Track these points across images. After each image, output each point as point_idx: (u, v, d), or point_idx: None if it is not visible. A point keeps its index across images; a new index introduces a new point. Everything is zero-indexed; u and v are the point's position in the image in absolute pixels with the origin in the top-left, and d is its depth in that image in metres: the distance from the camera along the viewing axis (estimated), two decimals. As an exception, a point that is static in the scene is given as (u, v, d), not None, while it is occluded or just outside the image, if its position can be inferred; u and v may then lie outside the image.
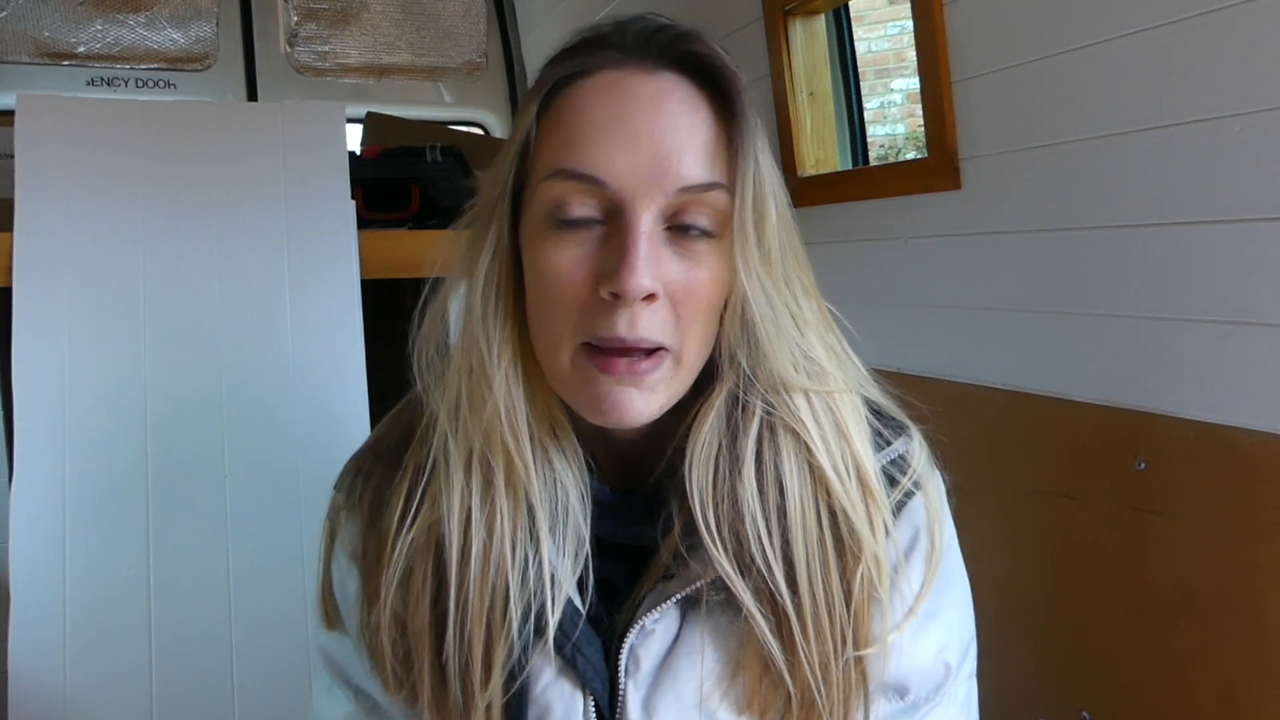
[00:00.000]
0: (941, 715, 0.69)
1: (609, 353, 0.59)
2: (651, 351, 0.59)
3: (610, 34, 0.62)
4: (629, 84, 0.60)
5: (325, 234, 1.46)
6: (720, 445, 0.62)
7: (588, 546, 0.64)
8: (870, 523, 0.64)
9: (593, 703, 0.63)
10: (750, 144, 0.60)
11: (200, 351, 1.41)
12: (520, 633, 0.62)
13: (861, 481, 0.64)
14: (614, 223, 0.59)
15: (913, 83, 1.44)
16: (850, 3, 1.83)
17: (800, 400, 0.63)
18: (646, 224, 0.58)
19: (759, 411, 0.62)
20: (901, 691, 0.68)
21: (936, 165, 1.41)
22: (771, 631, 0.61)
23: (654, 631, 0.63)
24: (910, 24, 1.45)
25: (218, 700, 1.32)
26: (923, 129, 1.47)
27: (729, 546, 0.61)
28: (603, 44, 0.62)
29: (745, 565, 0.61)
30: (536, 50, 2.98)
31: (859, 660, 0.63)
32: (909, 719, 0.68)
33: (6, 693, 1.22)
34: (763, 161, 0.61)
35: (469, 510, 0.62)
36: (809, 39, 1.82)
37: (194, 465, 1.38)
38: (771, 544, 0.61)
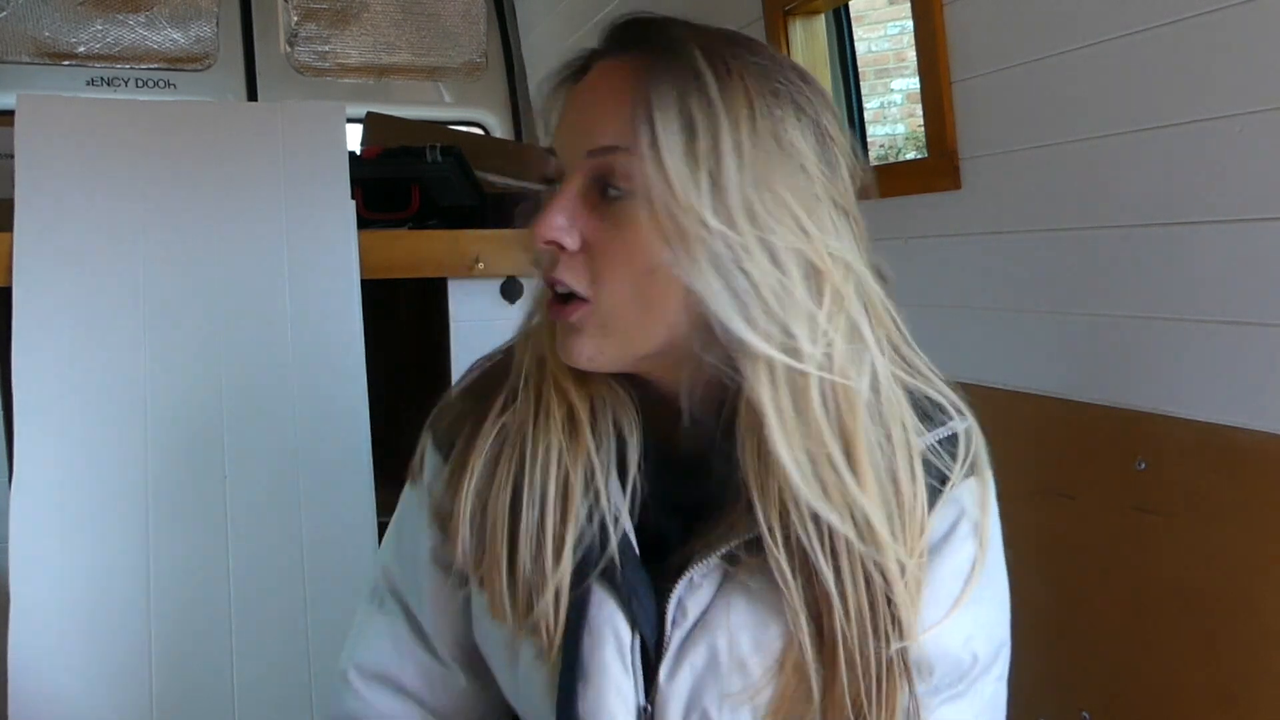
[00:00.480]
0: (965, 708, 0.69)
1: (554, 298, 0.66)
2: (571, 298, 0.65)
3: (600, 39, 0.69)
4: (594, 71, 0.67)
5: (325, 235, 1.44)
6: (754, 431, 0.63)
7: (642, 496, 0.67)
8: (893, 519, 0.63)
9: (639, 642, 0.66)
10: (644, 105, 0.61)
11: (200, 352, 1.39)
12: (582, 552, 0.66)
13: (855, 472, 0.62)
14: None
15: (913, 83, 1.44)
16: (850, 3, 1.83)
17: (761, 373, 0.61)
18: (570, 186, 0.65)
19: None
20: (924, 670, 0.67)
21: (936, 165, 1.41)
22: (801, 603, 0.62)
23: (700, 585, 0.66)
24: (910, 24, 1.45)
25: (217, 701, 1.30)
26: (923, 129, 1.47)
27: (773, 512, 0.62)
28: (595, 50, 0.69)
29: (786, 534, 0.62)
30: (536, 50, 2.98)
31: (897, 652, 0.63)
32: (929, 701, 0.68)
33: (6, 693, 1.21)
34: (660, 119, 0.60)
35: (548, 435, 0.68)
36: (809, 39, 1.82)
37: (194, 466, 1.36)
38: (820, 534, 0.62)
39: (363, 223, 1.25)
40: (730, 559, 0.65)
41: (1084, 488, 1.23)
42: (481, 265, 1.41)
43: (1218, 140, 1.01)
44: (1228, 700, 1.06)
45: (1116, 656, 1.20)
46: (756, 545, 0.64)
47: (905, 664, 0.64)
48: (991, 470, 0.71)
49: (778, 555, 0.62)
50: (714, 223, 0.60)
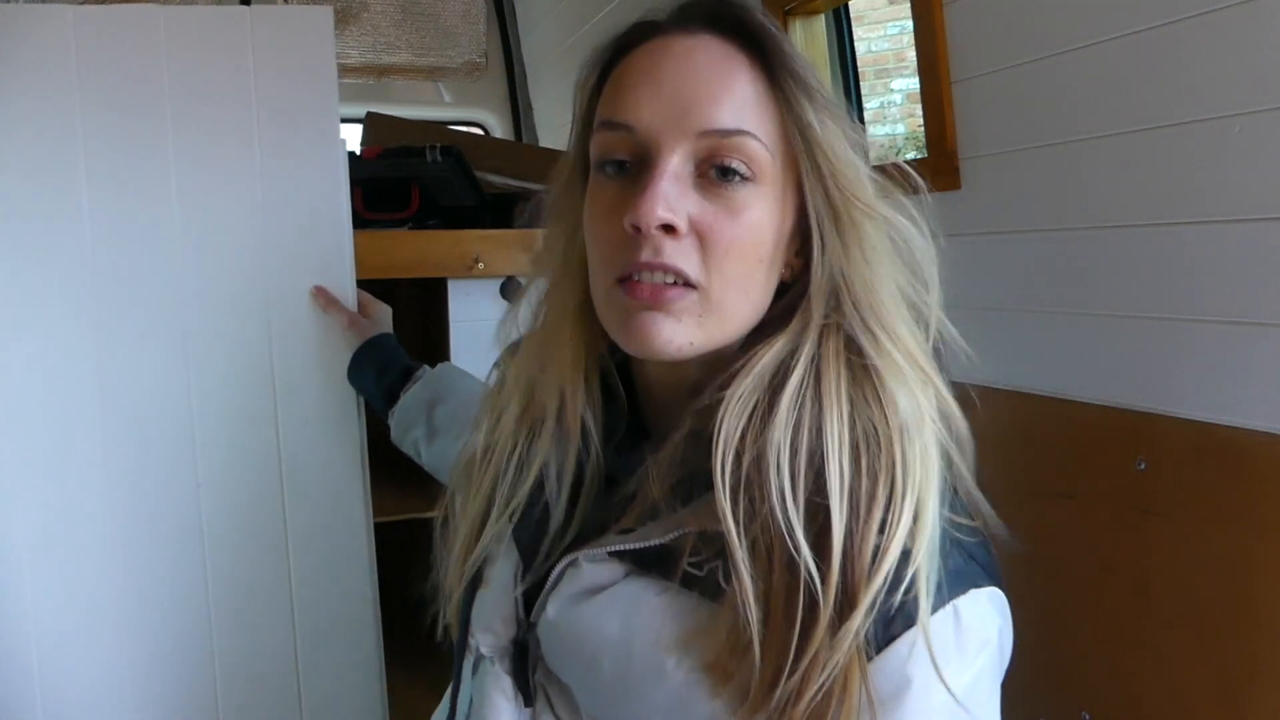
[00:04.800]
0: None
1: (637, 281, 0.63)
2: (677, 284, 0.62)
3: (658, 11, 0.67)
4: (666, 44, 0.65)
5: (309, 180, 1.23)
6: (760, 398, 0.62)
7: (583, 467, 0.71)
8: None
9: (524, 582, 0.70)
10: (796, 98, 0.62)
11: (161, 337, 1.19)
12: (504, 516, 0.73)
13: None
14: (644, 166, 0.64)
15: (913, 83, 1.44)
16: (850, 3, 1.83)
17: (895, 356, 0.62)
18: (669, 164, 0.62)
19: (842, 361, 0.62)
20: None
21: (936, 165, 1.41)
22: (755, 600, 0.57)
23: (583, 569, 0.66)
24: (910, 24, 1.45)
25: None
26: (923, 129, 1.47)
27: (738, 495, 0.59)
28: (650, 21, 0.67)
29: (750, 517, 0.59)
30: (536, 50, 2.98)
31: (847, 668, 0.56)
32: None
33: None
34: (814, 119, 0.63)
35: (510, 421, 0.74)
36: (809, 39, 1.82)
37: (161, 474, 1.18)
38: (795, 499, 0.58)
39: (362, 222, 1.22)
40: (636, 560, 0.64)
41: (1084, 488, 1.23)
42: (481, 265, 1.41)
43: (1218, 140, 1.01)
44: (1228, 700, 1.06)
45: (1116, 656, 1.20)
46: (657, 556, 0.62)
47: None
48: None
49: (736, 548, 0.58)
50: (878, 209, 0.62)
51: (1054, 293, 1.27)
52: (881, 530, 0.58)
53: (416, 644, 1.66)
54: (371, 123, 1.93)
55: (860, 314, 0.62)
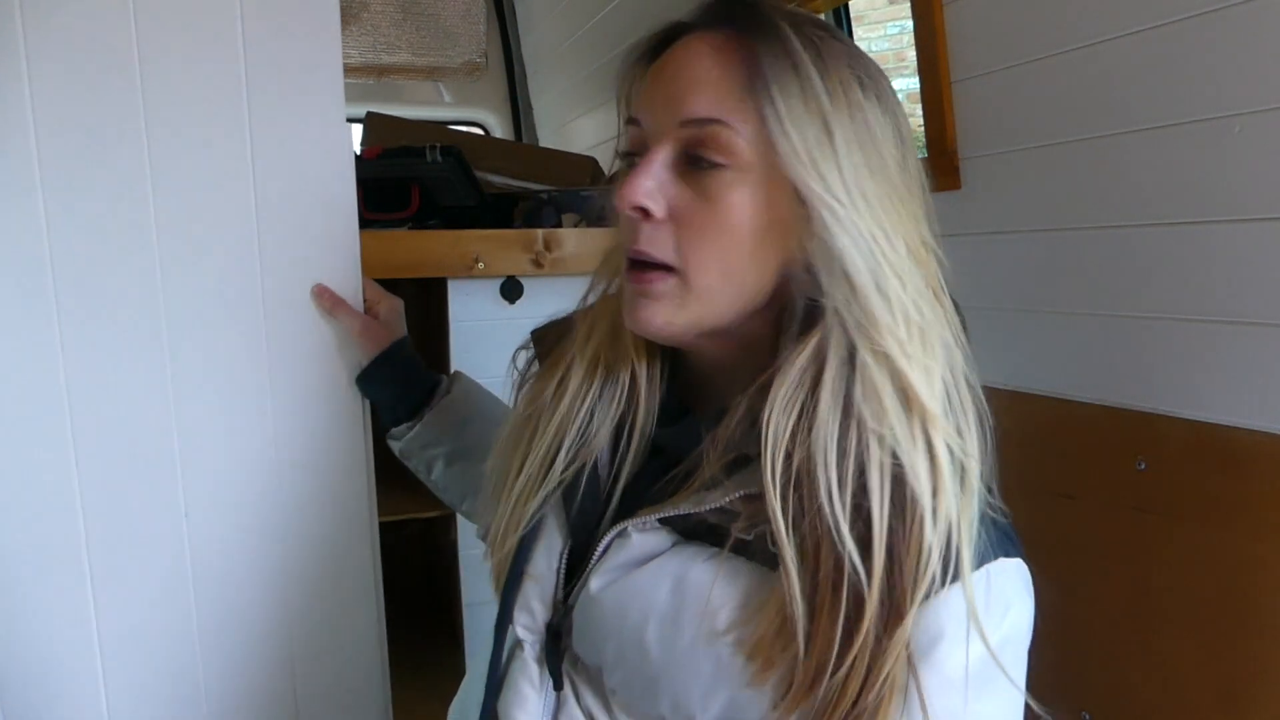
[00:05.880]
0: None
1: (634, 265, 0.68)
2: (658, 267, 0.66)
3: (689, 11, 0.70)
4: (685, 43, 0.67)
5: (307, 153, 1.09)
6: (805, 398, 0.63)
7: (635, 439, 0.73)
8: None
9: (567, 559, 0.72)
10: (771, 85, 0.62)
11: (138, 340, 1.03)
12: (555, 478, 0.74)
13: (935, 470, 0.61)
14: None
15: (913, 83, 1.44)
16: (850, 3, 1.83)
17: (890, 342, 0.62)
18: (655, 153, 0.66)
19: (845, 360, 0.63)
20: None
21: (936, 165, 1.41)
22: (802, 595, 0.59)
23: (631, 539, 0.68)
24: (910, 24, 1.45)
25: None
26: (923, 129, 1.47)
27: (788, 492, 0.60)
28: (679, 21, 0.70)
29: (799, 515, 0.60)
30: (536, 50, 2.98)
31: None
32: None
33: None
34: (782, 107, 0.62)
35: (569, 383, 0.76)
36: (809, 39, 1.82)
37: (143, 499, 1.05)
38: (842, 498, 0.60)
39: (363, 223, 1.20)
40: (685, 529, 0.66)
41: (1084, 488, 1.23)
42: (481, 265, 1.41)
43: (1218, 140, 1.01)
44: (1228, 700, 1.06)
45: (1116, 656, 1.20)
46: (708, 527, 0.65)
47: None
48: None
49: (782, 535, 0.60)
50: (842, 194, 0.62)
51: (1054, 293, 1.27)
52: (922, 527, 0.60)
53: (418, 647, 1.67)
54: (371, 123, 1.93)
55: (860, 302, 0.63)
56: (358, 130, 1.92)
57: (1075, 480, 1.24)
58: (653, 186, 0.65)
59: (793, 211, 0.64)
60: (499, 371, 0.89)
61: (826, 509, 0.59)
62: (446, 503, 1.16)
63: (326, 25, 1.11)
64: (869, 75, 0.66)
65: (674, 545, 0.67)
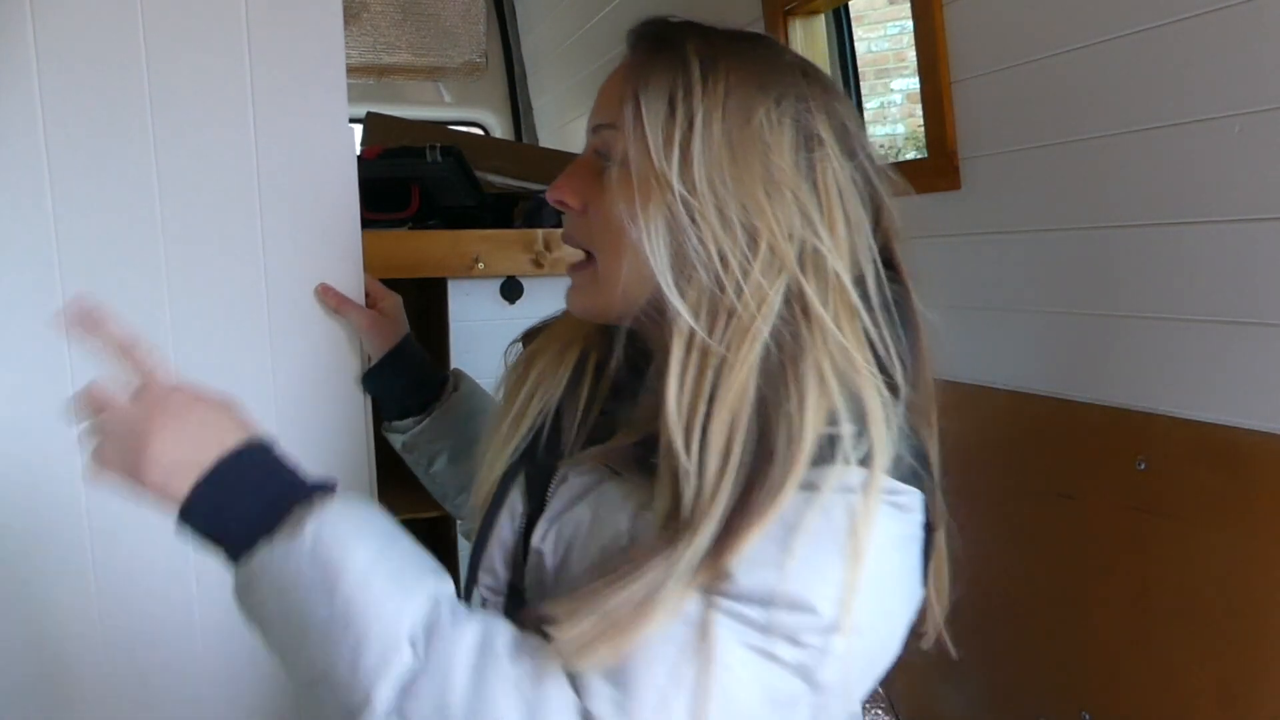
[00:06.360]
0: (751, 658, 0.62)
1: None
2: (588, 257, 0.76)
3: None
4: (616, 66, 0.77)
5: (311, 148, 1.10)
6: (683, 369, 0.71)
7: (592, 411, 0.80)
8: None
9: (525, 520, 0.79)
10: (631, 86, 0.70)
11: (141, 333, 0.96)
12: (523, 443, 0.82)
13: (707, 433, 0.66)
14: None
15: (913, 83, 1.44)
16: (850, 3, 1.83)
17: (678, 337, 0.68)
18: (582, 156, 0.77)
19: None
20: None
21: (936, 165, 1.41)
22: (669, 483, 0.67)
23: (569, 480, 0.77)
24: (910, 24, 1.45)
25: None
26: (923, 129, 1.47)
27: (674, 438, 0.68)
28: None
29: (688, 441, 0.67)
30: (536, 50, 2.98)
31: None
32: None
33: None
34: (644, 98, 0.69)
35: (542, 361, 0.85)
36: (809, 39, 1.82)
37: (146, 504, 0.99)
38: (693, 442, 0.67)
39: (363, 223, 1.20)
40: (610, 466, 0.75)
41: (1084, 488, 1.23)
42: (481, 265, 1.41)
43: (1218, 140, 1.01)
44: (1228, 700, 1.06)
45: (1116, 656, 1.20)
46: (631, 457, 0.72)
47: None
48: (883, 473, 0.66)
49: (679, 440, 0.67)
50: (677, 186, 0.67)
51: (1054, 293, 1.27)
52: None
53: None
54: (371, 123, 1.93)
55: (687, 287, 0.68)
56: (358, 130, 1.92)
57: (1075, 480, 1.24)
58: (568, 182, 0.76)
59: (667, 204, 0.69)
60: (498, 371, 0.90)
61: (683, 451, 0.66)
62: (438, 497, 1.17)
63: (330, 27, 1.13)
64: (783, 81, 0.70)
65: (602, 481, 0.74)
